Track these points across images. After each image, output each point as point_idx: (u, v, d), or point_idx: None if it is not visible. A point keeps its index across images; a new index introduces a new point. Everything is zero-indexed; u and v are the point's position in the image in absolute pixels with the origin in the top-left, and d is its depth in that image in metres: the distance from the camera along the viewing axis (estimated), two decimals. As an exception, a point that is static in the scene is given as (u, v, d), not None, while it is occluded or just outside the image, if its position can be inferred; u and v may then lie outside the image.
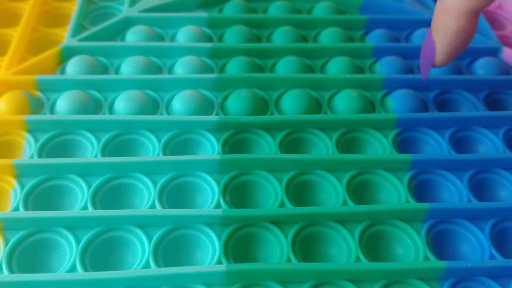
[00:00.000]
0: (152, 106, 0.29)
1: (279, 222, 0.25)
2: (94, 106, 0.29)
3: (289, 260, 0.23)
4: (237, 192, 0.26)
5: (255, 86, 0.31)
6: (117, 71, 0.32)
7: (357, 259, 0.24)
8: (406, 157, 0.27)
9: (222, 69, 0.32)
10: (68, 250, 0.24)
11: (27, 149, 0.27)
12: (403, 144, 0.29)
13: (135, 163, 0.26)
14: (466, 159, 0.27)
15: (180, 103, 0.29)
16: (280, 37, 0.34)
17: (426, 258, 0.24)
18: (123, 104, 0.29)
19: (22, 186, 0.26)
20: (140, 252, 0.24)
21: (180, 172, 0.26)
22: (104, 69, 0.32)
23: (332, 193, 0.26)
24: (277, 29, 0.35)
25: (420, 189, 0.27)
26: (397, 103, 0.30)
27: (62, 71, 0.31)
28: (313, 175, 0.27)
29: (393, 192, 0.27)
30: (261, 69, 0.32)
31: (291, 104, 0.30)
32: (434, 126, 0.29)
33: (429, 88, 0.31)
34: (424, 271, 0.23)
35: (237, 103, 0.29)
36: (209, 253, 0.24)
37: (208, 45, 0.33)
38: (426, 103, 0.31)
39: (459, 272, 0.23)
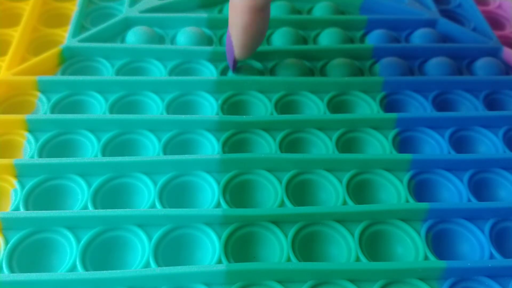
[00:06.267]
0: (153, 107, 0.30)
1: (279, 221, 0.25)
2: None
3: (289, 259, 0.23)
4: (237, 192, 0.26)
5: (256, 89, 0.31)
6: (117, 72, 0.32)
7: (357, 259, 0.24)
8: (406, 157, 0.27)
9: (222, 71, 0.32)
10: (69, 250, 0.24)
11: (27, 148, 0.27)
12: (403, 143, 0.29)
13: (135, 163, 0.26)
14: (466, 159, 0.27)
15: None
16: (280, 37, 0.34)
17: (426, 258, 0.24)
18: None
19: (22, 185, 0.26)
20: (140, 251, 0.24)
21: (180, 172, 0.26)
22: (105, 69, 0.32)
23: (332, 193, 0.26)
24: (277, 30, 0.35)
25: (420, 188, 0.27)
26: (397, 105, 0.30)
27: (63, 71, 0.31)
28: (313, 174, 0.27)
29: (393, 192, 0.27)
30: (261, 71, 0.32)
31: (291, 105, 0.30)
32: (434, 126, 0.29)
33: (429, 88, 0.31)
34: (424, 271, 0.23)
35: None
36: (209, 252, 0.24)
37: (209, 48, 0.32)
38: (424, 104, 0.31)
39: (458, 272, 0.23)
